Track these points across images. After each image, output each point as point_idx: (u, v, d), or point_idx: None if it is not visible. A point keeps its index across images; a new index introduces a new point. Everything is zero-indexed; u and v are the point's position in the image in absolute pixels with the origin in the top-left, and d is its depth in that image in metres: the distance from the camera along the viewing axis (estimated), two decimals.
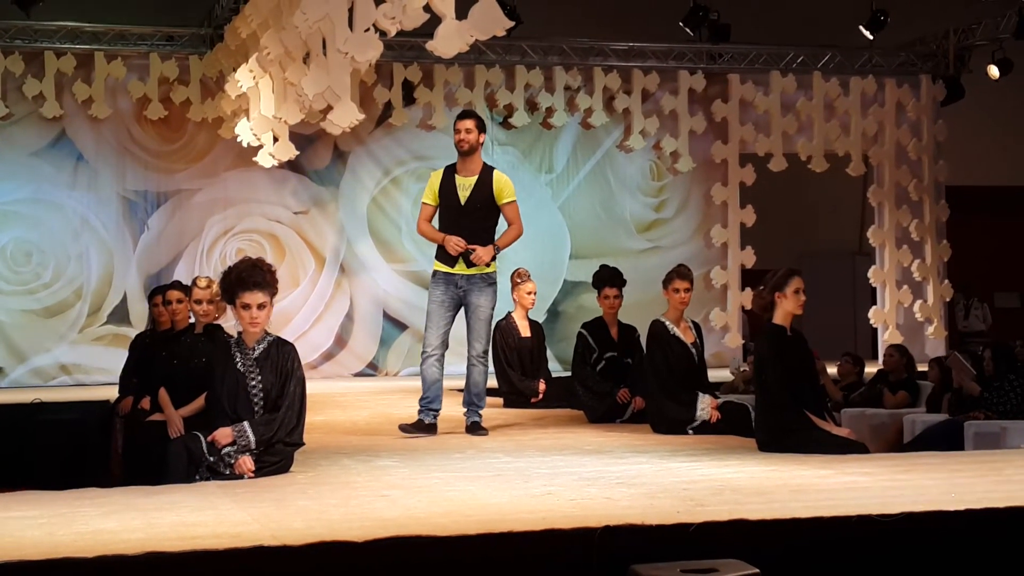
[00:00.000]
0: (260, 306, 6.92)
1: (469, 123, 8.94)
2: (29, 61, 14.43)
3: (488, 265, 8.95)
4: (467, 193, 8.94)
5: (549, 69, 15.86)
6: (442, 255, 8.99)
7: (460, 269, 8.92)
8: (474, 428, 8.99)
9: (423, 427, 8.91)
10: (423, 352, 9.01)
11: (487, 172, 9.02)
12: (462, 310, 9.01)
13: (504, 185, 8.97)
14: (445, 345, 9.00)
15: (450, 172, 9.05)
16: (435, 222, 9.18)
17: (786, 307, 7.77)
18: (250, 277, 6.92)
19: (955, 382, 10.86)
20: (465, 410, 9.12)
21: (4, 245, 14.57)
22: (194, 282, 8.48)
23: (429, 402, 8.94)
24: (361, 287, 15.57)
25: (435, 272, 9.05)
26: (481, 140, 8.99)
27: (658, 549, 4.86)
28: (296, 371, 6.94)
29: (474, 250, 8.85)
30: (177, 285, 9.19)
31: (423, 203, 9.12)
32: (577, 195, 16.48)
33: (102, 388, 12.87)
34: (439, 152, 15.92)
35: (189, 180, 15.18)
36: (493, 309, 9.08)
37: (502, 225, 9.08)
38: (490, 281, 8.99)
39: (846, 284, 19.48)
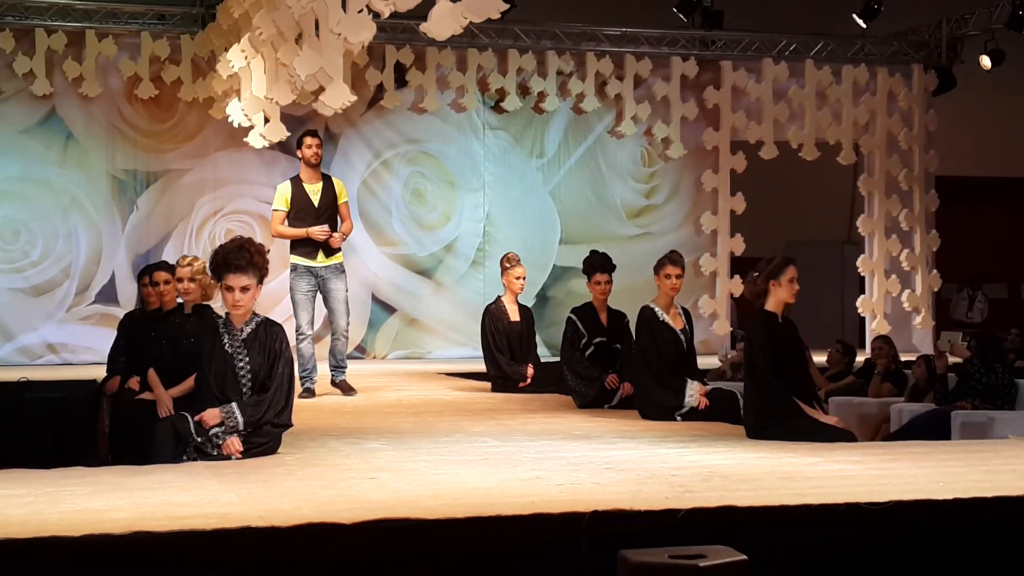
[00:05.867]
0: (243, 288, 6.88)
1: (319, 140, 10.80)
2: (20, 38, 14.34)
3: (337, 255, 10.70)
4: (318, 196, 10.64)
5: (542, 53, 15.82)
6: (301, 251, 10.59)
7: (320, 260, 10.59)
8: (345, 386, 10.74)
9: (302, 394, 10.17)
10: (299, 333, 10.51)
11: (327, 178, 10.87)
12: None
13: (342, 188, 10.89)
14: (313, 325, 10.76)
15: (297, 182, 10.70)
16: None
17: (780, 295, 7.78)
18: (234, 259, 6.89)
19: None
20: (331, 374, 10.82)
21: None
22: (178, 261, 8.48)
23: (308, 373, 10.59)
24: (350, 270, 15.22)
25: (295, 266, 10.64)
26: (320, 154, 10.83)
27: (646, 535, 4.85)
28: (284, 352, 6.93)
29: (330, 235, 10.54)
30: (164, 265, 9.17)
31: (277, 210, 10.67)
32: (568, 180, 16.46)
33: (89, 367, 12.83)
34: (430, 135, 15.95)
35: (179, 160, 15.13)
36: (347, 291, 10.83)
37: None
38: (341, 269, 10.78)
39: (835, 273, 19.48)
